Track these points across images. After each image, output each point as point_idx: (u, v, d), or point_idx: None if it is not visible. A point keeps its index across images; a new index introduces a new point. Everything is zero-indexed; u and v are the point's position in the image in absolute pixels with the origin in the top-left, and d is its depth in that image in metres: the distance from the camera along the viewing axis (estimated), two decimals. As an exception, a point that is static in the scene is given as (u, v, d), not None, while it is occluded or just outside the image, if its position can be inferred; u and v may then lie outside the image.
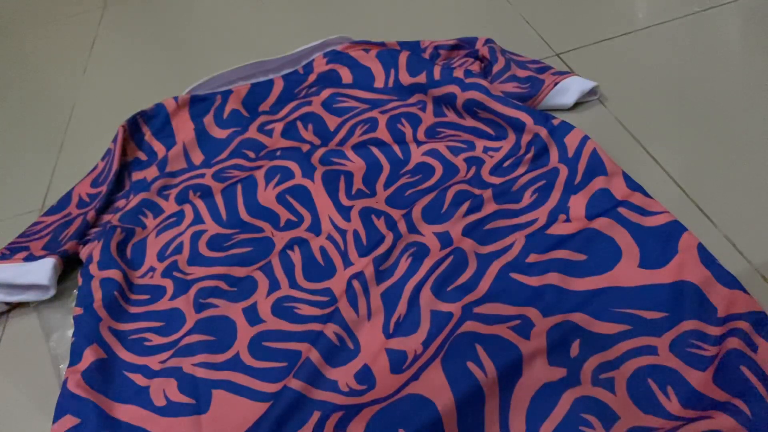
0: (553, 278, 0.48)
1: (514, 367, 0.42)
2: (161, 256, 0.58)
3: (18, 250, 0.61)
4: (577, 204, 0.53)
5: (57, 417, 0.45)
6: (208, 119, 0.71)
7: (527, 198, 0.56)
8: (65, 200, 0.67)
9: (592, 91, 0.67)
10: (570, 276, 0.48)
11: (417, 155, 0.62)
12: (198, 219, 0.61)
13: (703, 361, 0.41)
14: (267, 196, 0.62)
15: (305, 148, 0.65)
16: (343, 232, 0.56)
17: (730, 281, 0.44)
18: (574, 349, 0.43)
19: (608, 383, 0.42)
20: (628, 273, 0.48)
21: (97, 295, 0.53)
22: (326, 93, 0.72)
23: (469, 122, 0.65)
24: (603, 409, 0.40)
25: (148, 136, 0.71)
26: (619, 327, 0.45)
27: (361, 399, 0.44)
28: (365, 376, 0.45)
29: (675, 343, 0.43)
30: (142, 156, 0.70)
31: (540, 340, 0.44)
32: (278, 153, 0.65)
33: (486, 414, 0.41)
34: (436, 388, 0.42)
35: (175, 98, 0.72)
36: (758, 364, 0.39)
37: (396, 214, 0.57)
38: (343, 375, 0.45)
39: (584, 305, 0.46)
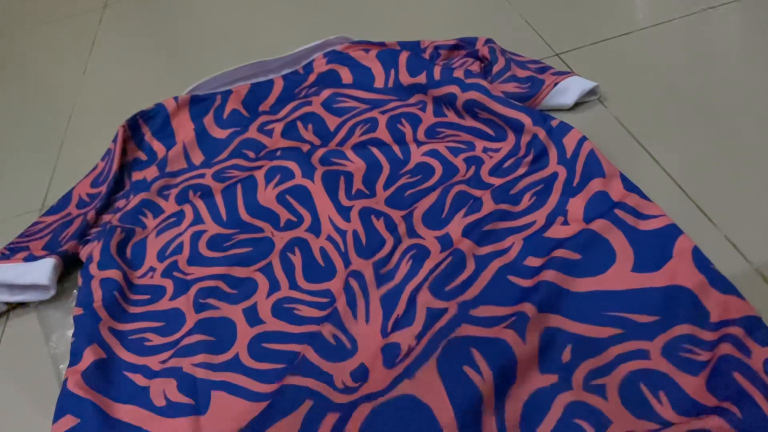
0: (548, 275, 0.48)
1: (510, 371, 0.42)
2: (161, 256, 0.58)
3: (18, 250, 0.61)
4: (575, 206, 0.53)
5: (57, 417, 0.46)
6: (208, 119, 0.71)
7: (526, 200, 0.55)
8: (65, 200, 0.67)
9: (592, 91, 0.67)
10: (565, 275, 0.48)
11: (417, 155, 0.62)
12: (198, 219, 0.61)
13: (696, 366, 0.41)
14: (267, 196, 0.62)
15: (305, 148, 0.65)
16: (342, 233, 0.56)
17: (724, 286, 0.44)
18: (566, 354, 0.43)
19: (600, 389, 0.41)
20: (621, 276, 0.47)
21: (97, 295, 0.53)
22: (326, 93, 0.72)
23: (469, 122, 0.65)
24: (595, 414, 0.40)
25: (148, 136, 0.71)
26: (610, 330, 0.44)
27: (354, 395, 0.43)
28: (360, 374, 0.45)
29: (667, 348, 0.42)
30: (142, 156, 0.70)
31: (533, 345, 0.43)
32: (278, 153, 0.65)
33: (483, 417, 0.41)
34: (432, 392, 0.41)
35: (175, 98, 0.72)
36: (752, 368, 0.39)
37: (396, 215, 0.57)
38: (339, 371, 0.45)
39: (577, 308, 0.46)
